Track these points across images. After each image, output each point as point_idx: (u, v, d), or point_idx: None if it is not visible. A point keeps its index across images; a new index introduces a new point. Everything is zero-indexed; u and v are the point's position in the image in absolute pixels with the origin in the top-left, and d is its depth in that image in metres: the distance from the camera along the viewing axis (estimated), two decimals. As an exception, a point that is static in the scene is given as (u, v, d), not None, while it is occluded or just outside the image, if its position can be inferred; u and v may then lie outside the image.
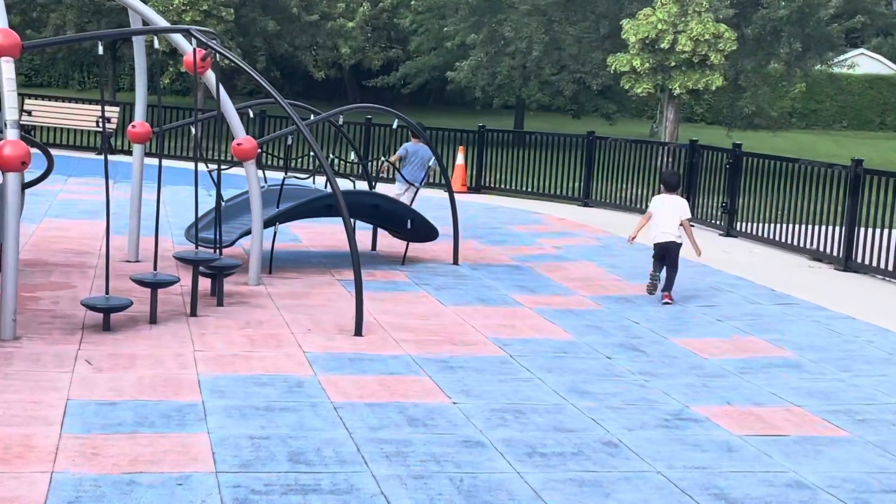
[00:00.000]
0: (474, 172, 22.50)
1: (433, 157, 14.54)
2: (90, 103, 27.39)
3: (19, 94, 28.76)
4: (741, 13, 28.68)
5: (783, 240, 15.89)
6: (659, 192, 12.24)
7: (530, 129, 32.67)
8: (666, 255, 11.68)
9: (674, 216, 11.67)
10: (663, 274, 11.72)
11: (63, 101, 27.65)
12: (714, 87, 25.96)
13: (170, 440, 6.58)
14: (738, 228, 17.14)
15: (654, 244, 11.72)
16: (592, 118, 40.66)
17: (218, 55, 10.18)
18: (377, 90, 44.19)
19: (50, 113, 26.94)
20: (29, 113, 26.58)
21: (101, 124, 25.39)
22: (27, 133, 25.76)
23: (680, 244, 11.72)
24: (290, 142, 12.43)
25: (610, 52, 27.85)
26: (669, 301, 11.57)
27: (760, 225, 16.59)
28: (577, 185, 21.13)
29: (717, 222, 17.61)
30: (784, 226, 15.96)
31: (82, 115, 26.74)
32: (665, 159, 21.43)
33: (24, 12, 32.95)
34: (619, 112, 40.15)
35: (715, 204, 17.82)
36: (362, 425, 7.09)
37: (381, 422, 7.18)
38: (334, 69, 40.83)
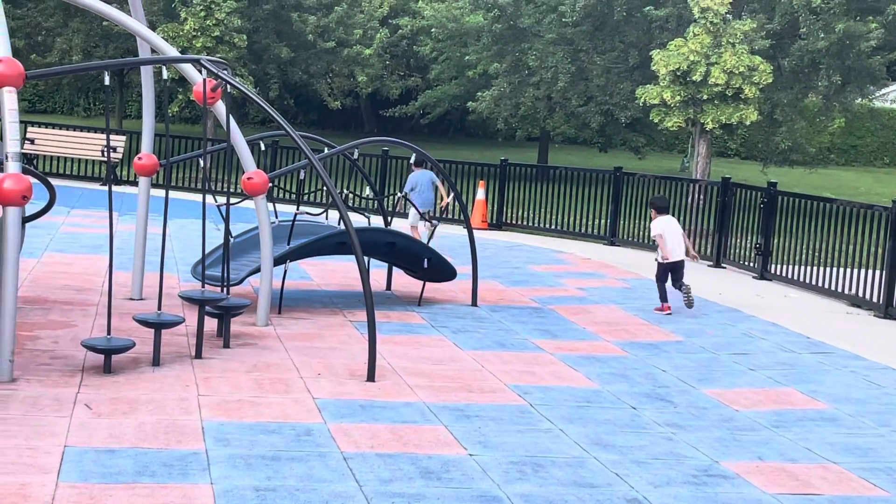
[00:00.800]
0: (495, 208, 22.05)
1: (435, 178, 15.19)
2: (95, 132, 26.90)
3: (21, 122, 28.60)
4: (777, 44, 28.27)
5: (820, 284, 15.33)
6: (663, 222, 13.40)
7: (555, 163, 32.29)
8: (678, 270, 13.13)
9: (681, 236, 13.29)
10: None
11: (67, 129, 27.15)
12: (748, 122, 25.51)
13: (171, 491, 6.37)
14: (772, 271, 16.58)
15: (671, 262, 13.11)
16: (620, 152, 40.25)
17: (228, 86, 9.81)
18: (395, 120, 43.91)
19: (53, 141, 26.45)
20: (31, 141, 26.09)
21: (106, 154, 24.98)
22: (29, 162, 25.54)
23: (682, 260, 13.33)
24: (302, 176, 12.06)
25: (639, 84, 27.46)
26: (670, 311, 13.00)
27: (796, 268, 16.02)
28: (603, 222, 20.67)
29: (751, 264, 17.09)
30: (821, 269, 15.40)
31: (87, 144, 26.24)
32: (696, 197, 20.98)
33: (29, 36, 32.87)
34: (649, 146, 39.70)
35: (748, 245, 17.32)
36: (373, 477, 6.83)
37: (393, 474, 6.93)
38: (350, 98, 40.60)
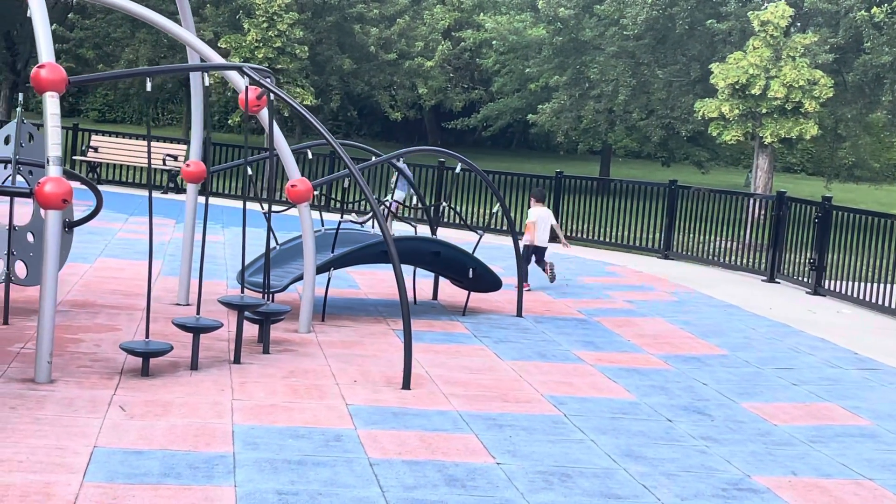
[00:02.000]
0: (550, 221, 21.89)
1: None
2: (158, 140, 27.28)
3: (86, 130, 29.18)
4: (842, 59, 27.91)
5: (874, 300, 15.05)
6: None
7: (617, 176, 32.12)
8: (540, 253, 15.12)
9: (548, 225, 15.22)
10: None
11: (129, 138, 27.56)
12: (808, 136, 25.22)
13: (193, 493, 6.40)
14: (826, 286, 16.36)
15: (537, 246, 15.06)
16: (684, 166, 39.90)
17: (271, 94, 9.87)
18: (458, 132, 43.90)
19: (116, 149, 26.90)
20: (95, 149, 26.60)
21: (164, 162, 25.37)
22: (92, 170, 26.00)
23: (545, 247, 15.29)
24: (346, 184, 12.11)
25: (701, 97, 27.27)
26: (529, 288, 14.25)
27: (851, 283, 15.77)
28: (657, 236, 20.51)
29: (804, 279, 16.87)
30: (876, 285, 15.13)
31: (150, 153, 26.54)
32: (754, 211, 20.77)
33: (98, 46, 33.40)
34: (713, 160, 39.29)
35: (802, 260, 17.09)
36: (397, 483, 6.83)
37: (418, 481, 6.92)
38: (414, 110, 40.69)
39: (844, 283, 15.96)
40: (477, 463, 7.34)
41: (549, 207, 21.89)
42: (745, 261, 18.80)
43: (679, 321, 13.26)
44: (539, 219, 15.26)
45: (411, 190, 17.84)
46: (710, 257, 19.30)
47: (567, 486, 7.00)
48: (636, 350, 11.47)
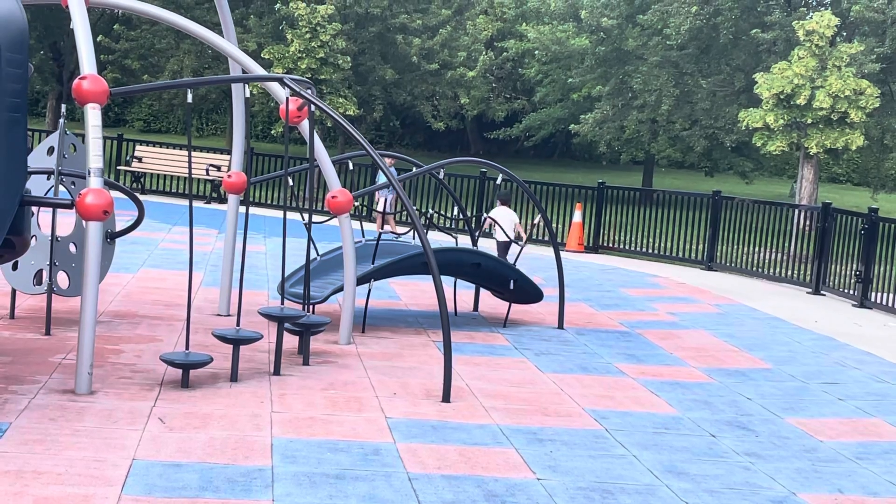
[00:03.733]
0: (592, 231, 21.81)
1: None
2: (202, 151, 27.45)
3: (131, 141, 29.44)
4: (888, 68, 27.62)
5: (921, 313, 14.87)
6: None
7: (659, 187, 31.95)
8: (505, 250, 15.69)
9: (510, 223, 15.50)
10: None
11: (173, 148, 27.70)
12: (854, 147, 24.96)
13: (231, 507, 6.35)
14: (872, 299, 16.15)
15: (500, 242, 15.78)
16: (728, 176, 39.61)
17: (312, 105, 9.85)
18: (501, 142, 43.84)
19: (160, 160, 27.08)
20: (139, 160, 26.84)
21: (208, 172, 25.49)
22: (136, 180, 26.16)
23: (510, 241, 15.53)
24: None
25: (745, 107, 27.07)
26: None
27: (898, 296, 15.59)
28: (701, 247, 20.34)
29: (850, 292, 16.65)
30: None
31: (193, 163, 26.70)
32: (801, 222, 20.56)
33: (143, 57, 33.68)
34: (757, 170, 38.97)
35: (848, 272, 16.88)
36: (436, 499, 6.75)
37: (457, 496, 6.83)
38: (456, 120, 40.68)
39: (891, 295, 15.75)
40: (517, 478, 7.26)
41: (589, 217, 22.00)
42: (789, 273, 18.61)
43: (723, 334, 13.11)
44: (499, 218, 15.44)
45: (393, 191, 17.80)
46: (755, 269, 19.11)
47: (608, 503, 6.91)
48: (679, 363, 11.35)
